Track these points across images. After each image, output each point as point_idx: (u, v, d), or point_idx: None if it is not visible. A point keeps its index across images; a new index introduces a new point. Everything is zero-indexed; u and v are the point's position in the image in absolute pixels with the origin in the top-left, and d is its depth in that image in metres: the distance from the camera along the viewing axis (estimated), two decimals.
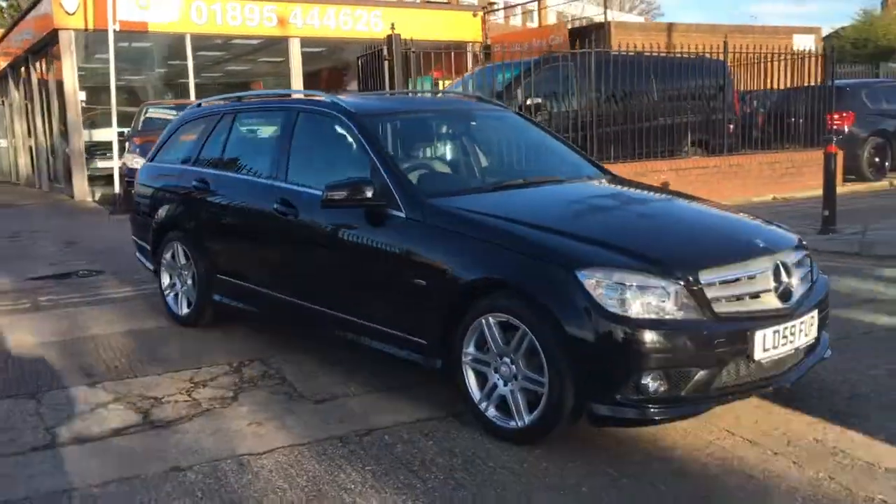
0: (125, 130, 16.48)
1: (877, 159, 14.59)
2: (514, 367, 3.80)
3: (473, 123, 5.54)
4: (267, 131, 5.64)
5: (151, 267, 6.44)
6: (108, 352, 5.54)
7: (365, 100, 5.61)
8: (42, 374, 5.08)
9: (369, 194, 4.36)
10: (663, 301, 3.52)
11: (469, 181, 4.87)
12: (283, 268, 5.09)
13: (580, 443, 3.80)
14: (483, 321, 3.86)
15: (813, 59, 13.08)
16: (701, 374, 3.54)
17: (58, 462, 3.81)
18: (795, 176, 12.80)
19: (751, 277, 3.75)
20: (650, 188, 5.49)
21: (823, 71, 13.05)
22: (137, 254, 6.84)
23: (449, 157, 5.29)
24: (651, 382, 3.49)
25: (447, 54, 11.39)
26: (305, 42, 19.20)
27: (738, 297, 3.69)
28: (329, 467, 3.66)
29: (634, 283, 3.53)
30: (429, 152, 5.28)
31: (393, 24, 9.98)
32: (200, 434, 4.09)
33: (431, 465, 3.65)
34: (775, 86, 13.36)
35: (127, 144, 15.24)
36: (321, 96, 5.32)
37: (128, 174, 13.51)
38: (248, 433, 4.09)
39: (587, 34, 16.58)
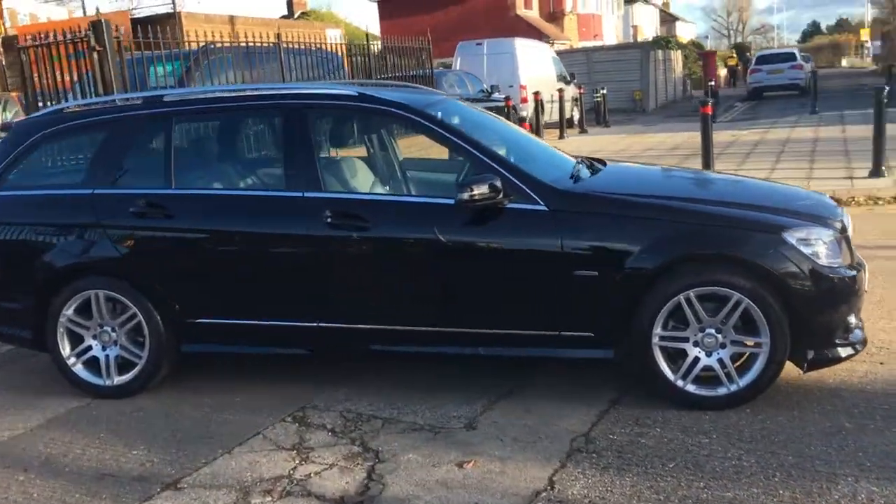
0: None
1: None
2: (720, 335, 3.97)
3: (480, 111, 5.26)
4: (247, 136, 4.59)
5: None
6: (96, 448, 4.03)
7: (393, 92, 4.88)
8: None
9: (500, 190, 4.03)
10: (837, 249, 4.06)
11: (551, 168, 4.66)
12: (347, 292, 4.29)
13: (763, 400, 4.11)
14: (681, 298, 3.94)
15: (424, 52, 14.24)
16: (860, 306, 4.20)
17: None
18: None
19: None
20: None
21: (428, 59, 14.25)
22: None
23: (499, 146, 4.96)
24: (853, 320, 4.03)
25: None
26: None
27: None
28: (638, 477, 3.45)
29: (821, 238, 4.00)
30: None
31: (98, 8, 8.20)
32: (425, 487, 3.45)
33: (707, 446, 3.67)
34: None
35: None
36: (338, 90, 4.53)
37: None
38: (479, 474, 3.56)
39: (152, 24, 15.44)
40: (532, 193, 4.11)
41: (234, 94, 4.65)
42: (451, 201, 4.11)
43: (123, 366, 4.60)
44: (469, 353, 4.30)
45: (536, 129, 17.73)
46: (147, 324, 4.48)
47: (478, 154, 4.22)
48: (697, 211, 4.09)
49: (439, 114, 4.41)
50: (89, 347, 4.62)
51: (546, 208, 4.09)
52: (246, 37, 11.97)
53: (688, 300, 3.94)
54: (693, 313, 3.96)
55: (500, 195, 4.04)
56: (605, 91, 21.47)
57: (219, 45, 10.42)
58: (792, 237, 3.93)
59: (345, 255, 4.25)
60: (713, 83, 21.91)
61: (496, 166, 4.16)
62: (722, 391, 4.00)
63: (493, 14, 40.30)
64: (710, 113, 10.13)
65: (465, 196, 3.99)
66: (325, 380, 4.68)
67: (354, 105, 4.47)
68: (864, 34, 69.33)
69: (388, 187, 4.84)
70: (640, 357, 4.05)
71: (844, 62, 70.67)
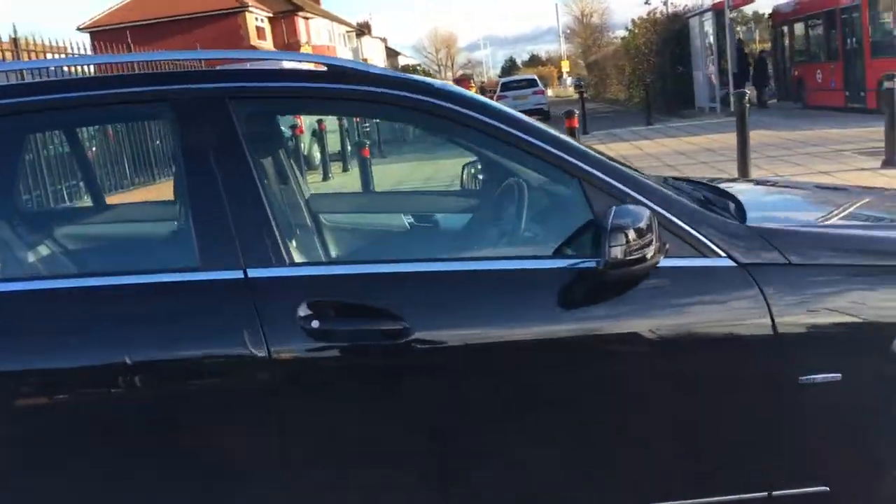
0: None
1: None
2: None
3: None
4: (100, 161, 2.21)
5: None
6: None
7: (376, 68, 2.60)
8: None
9: (651, 234, 2.07)
10: None
11: None
12: (364, 460, 2.09)
13: None
14: None
15: None
16: None
17: None
18: None
19: None
20: None
21: None
22: None
23: None
24: None
25: None
26: None
27: None
28: None
29: None
30: None
31: None
32: None
33: None
34: None
35: None
36: (334, 62, 2.32)
37: None
38: None
39: None
40: (705, 240, 2.20)
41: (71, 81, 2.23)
42: (567, 262, 2.12)
43: None
44: None
45: (324, 162, 15.74)
46: None
47: (608, 179, 2.21)
48: None
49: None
50: None
51: (733, 263, 2.18)
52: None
53: None
54: None
55: (652, 244, 2.07)
56: (377, 120, 19.92)
57: None
58: None
59: (357, 389, 2.05)
60: None
61: (638, 196, 2.20)
62: None
63: (225, 45, 37.63)
64: (576, 126, 8.80)
65: (618, 252, 1.98)
66: None
67: (344, 89, 2.24)
68: (565, 66, 74.25)
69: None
70: None
71: (550, 91, 75.23)
